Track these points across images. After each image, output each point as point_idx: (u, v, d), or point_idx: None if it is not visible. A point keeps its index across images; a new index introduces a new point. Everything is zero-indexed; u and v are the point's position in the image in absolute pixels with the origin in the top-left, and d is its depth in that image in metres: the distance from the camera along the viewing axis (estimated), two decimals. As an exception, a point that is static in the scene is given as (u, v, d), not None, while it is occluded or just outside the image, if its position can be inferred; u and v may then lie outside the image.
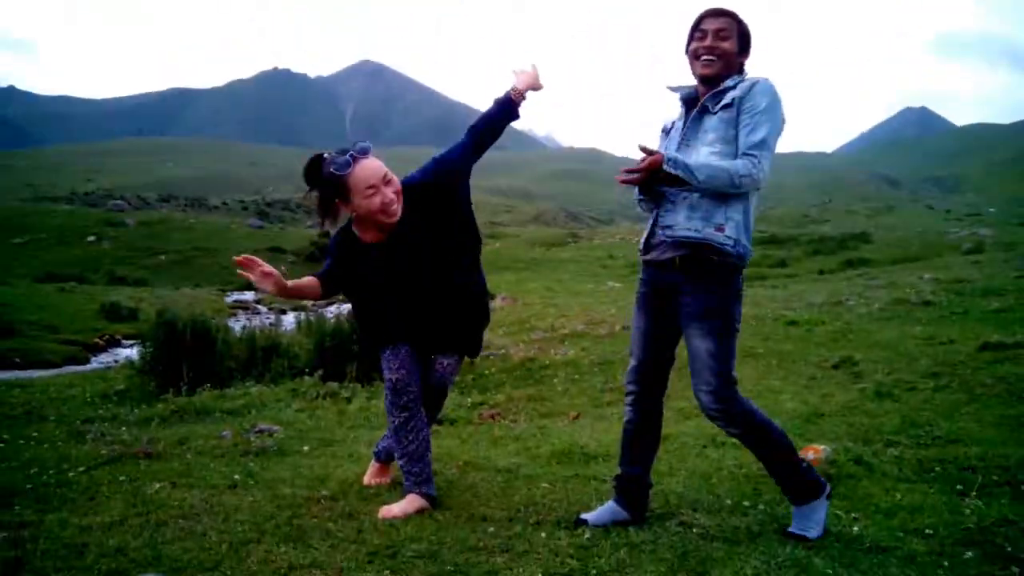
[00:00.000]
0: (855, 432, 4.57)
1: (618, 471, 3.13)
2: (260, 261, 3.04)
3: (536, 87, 3.36)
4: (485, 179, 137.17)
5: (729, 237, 2.83)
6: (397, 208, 3.10)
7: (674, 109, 3.13)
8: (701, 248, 2.84)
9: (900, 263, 24.54)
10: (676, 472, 3.92)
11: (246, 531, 2.85)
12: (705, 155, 2.84)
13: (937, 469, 3.85)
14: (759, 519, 3.08)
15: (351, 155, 3.02)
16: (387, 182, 3.06)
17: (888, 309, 9.93)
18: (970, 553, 2.82)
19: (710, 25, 2.92)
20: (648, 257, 3.03)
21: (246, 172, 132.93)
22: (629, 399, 3.13)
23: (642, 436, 3.09)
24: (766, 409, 5.25)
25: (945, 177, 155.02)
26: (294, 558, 2.58)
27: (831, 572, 2.51)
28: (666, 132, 3.12)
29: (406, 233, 3.17)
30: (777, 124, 2.85)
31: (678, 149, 2.94)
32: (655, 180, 2.80)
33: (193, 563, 2.57)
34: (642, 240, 3.07)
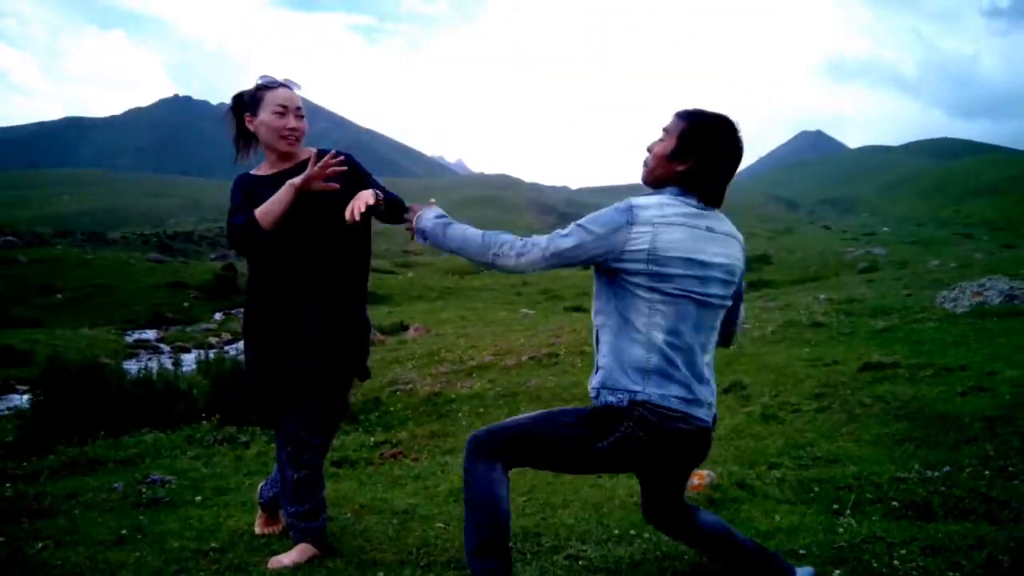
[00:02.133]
0: (741, 455, 4.76)
1: None
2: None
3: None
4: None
5: (593, 388, 2.48)
6: (296, 141, 3.22)
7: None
8: None
9: (799, 283, 25.56)
10: (570, 504, 4.02)
11: (130, 589, 2.81)
12: None
13: (816, 489, 4.03)
14: (642, 548, 3.20)
15: (279, 81, 3.22)
16: (298, 115, 3.20)
17: (780, 331, 10.32)
18: (839, 571, 2.98)
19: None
20: None
21: (147, 204, 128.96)
22: None
23: None
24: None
25: (841, 198, 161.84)
26: (177, 615, 2.56)
27: (705, 598, 2.63)
28: None
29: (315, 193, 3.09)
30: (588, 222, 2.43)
31: None
32: None
33: (72, 626, 2.51)
34: None
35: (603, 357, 2.45)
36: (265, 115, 3.16)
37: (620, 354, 2.41)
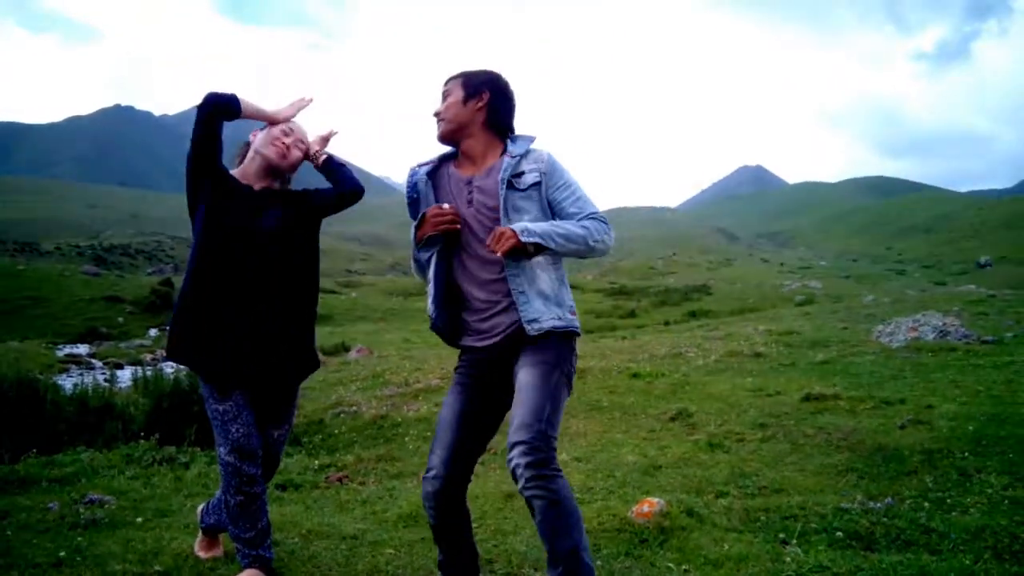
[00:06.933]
0: (689, 483, 4.81)
1: None
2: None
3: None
4: (341, 226, 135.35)
5: (577, 316, 2.75)
6: (283, 158, 3.16)
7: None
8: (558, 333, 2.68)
9: (738, 314, 26.04)
10: (520, 530, 4.00)
11: (69, 615, 2.70)
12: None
13: (762, 518, 4.10)
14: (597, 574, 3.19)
15: None
16: (297, 144, 3.21)
17: (723, 361, 10.50)
18: (788, 600, 3.03)
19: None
20: (482, 344, 2.79)
21: (83, 214, 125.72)
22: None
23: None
24: (609, 464, 5.47)
25: (779, 232, 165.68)
26: (120, 643, 2.47)
27: (659, 627, 2.64)
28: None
29: (279, 212, 3.11)
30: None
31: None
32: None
33: (7, 654, 2.41)
34: (474, 332, 2.82)
35: (567, 292, 2.78)
36: (266, 132, 3.18)
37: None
